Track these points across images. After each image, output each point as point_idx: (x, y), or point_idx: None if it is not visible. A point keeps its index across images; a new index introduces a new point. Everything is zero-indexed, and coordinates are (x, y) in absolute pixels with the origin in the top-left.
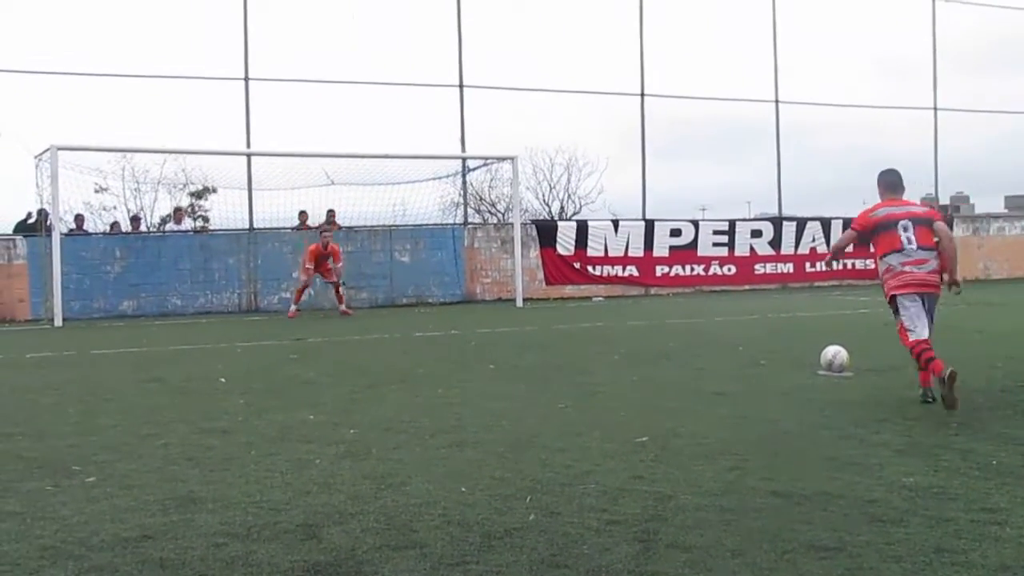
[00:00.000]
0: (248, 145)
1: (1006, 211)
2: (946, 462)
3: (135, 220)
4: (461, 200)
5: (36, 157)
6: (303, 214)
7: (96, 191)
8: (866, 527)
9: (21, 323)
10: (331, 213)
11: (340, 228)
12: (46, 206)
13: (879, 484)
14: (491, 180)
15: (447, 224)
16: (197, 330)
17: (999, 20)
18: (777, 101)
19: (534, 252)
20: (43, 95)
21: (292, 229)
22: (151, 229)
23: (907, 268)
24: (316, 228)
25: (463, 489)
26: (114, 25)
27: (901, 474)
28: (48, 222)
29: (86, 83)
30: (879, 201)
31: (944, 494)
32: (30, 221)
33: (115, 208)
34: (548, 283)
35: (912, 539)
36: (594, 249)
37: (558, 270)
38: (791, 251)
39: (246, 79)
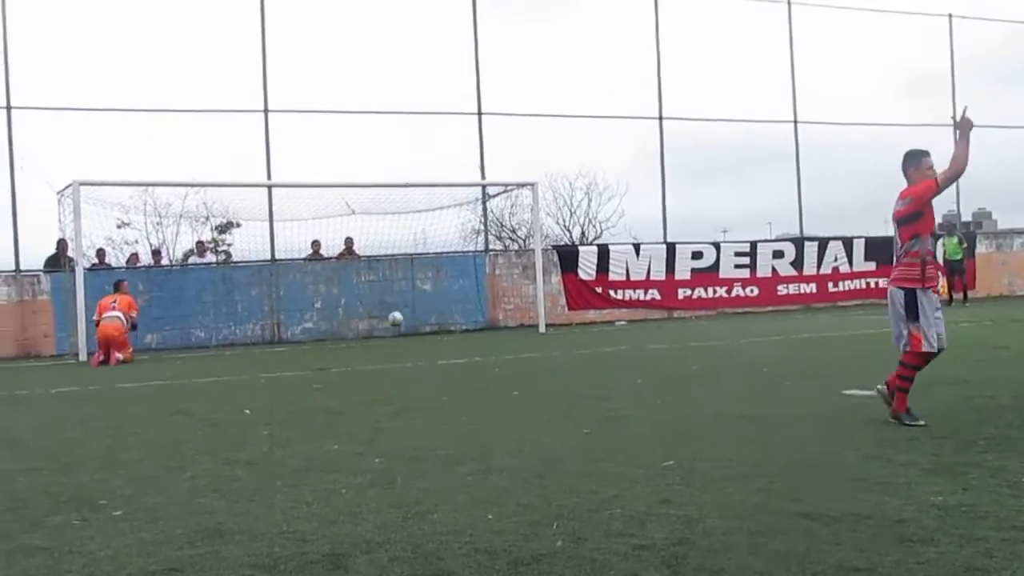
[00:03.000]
0: (268, 176)
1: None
2: (975, 480)
3: (156, 254)
4: (482, 227)
5: (58, 193)
6: (316, 243)
7: (118, 226)
8: (895, 548)
9: (46, 358)
10: (349, 241)
11: (359, 257)
12: (68, 239)
13: (908, 504)
14: (511, 206)
15: (468, 251)
16: (221, 362)
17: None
18: (796, 121)
19: (556, 277)
20: (65, 131)
21: (304, 260)
22: (173, 263)
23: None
24: (332, 257)
25: (489, 516)
26: (134, 61)
27: (930, 493)
28: (67, 253)
29: (107, 118)
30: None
31: (974, 513)
32: (65, 253)
33: (136, 242)
34: (570, 308)
35: (942, 559)
36: (615, 273)
37: (580, 295)
38: (813, 271)
39: (265, 111)
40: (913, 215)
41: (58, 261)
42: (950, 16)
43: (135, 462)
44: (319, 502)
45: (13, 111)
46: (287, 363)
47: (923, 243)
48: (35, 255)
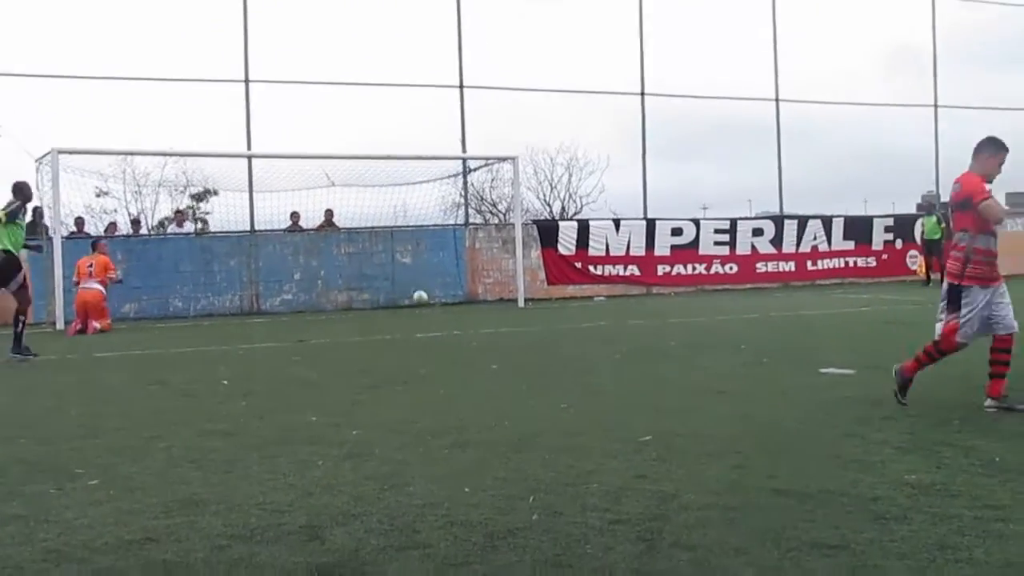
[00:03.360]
0: (248, 147)
1: (1008, 208)
2: (948, 459)
3: (135, 223)
4: (462, 201)
5: (37, 160)
6: (295, 215)
7: (97, 195)
8: (869, 525)
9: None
10: (329, 213)
11: (339, 229)
12: (46, 208)
13: (882, 482)
14: (492, 180)
15: (448, 225)
16: (199, 332)
17: (1004, 17)
18: (778, 100)
19: (535, 252)
20: (44, 98)
21: (284, 231)
22: (152, 231)
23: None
24: (312, 229)
25: (466, 489)
26: (114, 28)
27: (904, 471)
28: (44, 221)
29: (87, 86)
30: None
31: (947, 491)
32: (39, 221)
33: (115, 211)
34: (549, 283)
35: (915, 536)
36: (595, 249)
37: (559, 270)
38: (793, 249)
39: (246, 81)
40: (962, 204)
41: (35, 229)
42: None
43: (112, 431)
44: (296, 474)
45: None
46: (265, 334)
47: (970, 239)
48: None
